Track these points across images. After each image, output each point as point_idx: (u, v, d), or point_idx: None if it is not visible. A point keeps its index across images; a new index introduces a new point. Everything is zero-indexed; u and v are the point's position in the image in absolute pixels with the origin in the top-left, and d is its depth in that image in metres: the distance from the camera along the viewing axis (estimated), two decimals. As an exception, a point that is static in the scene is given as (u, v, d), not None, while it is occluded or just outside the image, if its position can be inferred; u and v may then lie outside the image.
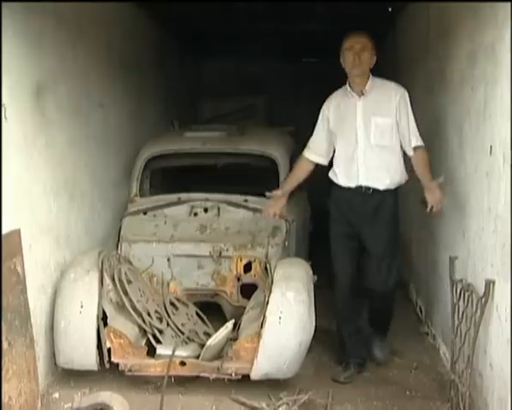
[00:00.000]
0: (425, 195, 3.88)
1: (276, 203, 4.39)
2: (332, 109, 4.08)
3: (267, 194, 4.42)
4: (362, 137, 3.91)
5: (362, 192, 3.93)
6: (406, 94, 3.92)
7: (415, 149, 3.89)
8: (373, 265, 4.02)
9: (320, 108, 4.15)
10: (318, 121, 4.18)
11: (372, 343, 4.32)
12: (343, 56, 3.94)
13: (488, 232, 3.26)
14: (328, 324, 4.35)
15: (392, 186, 3.96)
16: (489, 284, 3.14)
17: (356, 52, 3.86)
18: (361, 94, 3.93)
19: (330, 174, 4.11)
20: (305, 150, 4.26)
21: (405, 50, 6.22)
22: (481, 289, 3.22)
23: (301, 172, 4.35)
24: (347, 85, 3.99)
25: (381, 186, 3.92)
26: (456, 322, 3.59)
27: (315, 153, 4.21)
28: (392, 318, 4.35)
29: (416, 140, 3.89)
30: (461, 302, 3.55)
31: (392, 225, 4.03)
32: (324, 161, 4.20)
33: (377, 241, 3.99)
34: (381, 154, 3.90)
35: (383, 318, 4.32)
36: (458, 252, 3.86)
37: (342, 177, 4.01)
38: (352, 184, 3.96)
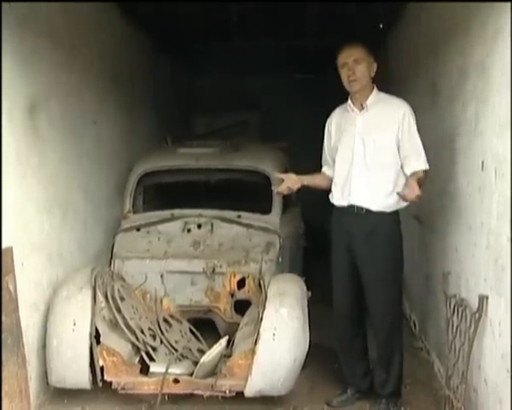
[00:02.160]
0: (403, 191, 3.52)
1: (292, 183, 3.99)
2: (334, 125, 3.92)
3: (277, 175, 4.12)
4: (358, 154, 3.69)
5: (354, 212, 3.71)
6: (410, 112, 3.64)
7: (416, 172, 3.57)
8: (369, 293, 3.78)
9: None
10: (324, 137, 4.02)
11: (378, 403, 3.87)
12: (340, 73, 3.73)
13: (481, 247, 3.28)
14: (323, 340, 4.31)
15: (388, 209, 3.67)
16: (482, 300, 3.16)
17: (350, 67, 3.65)
18: (361, 108, 3.73)
19: (330, 196, 3.92)
20: (324, 167, 4.08)
21: (396, 66, 6.28)
22: (475, 305, 3.24)
23: (321, 179, 4.07)
24: (349, 99, 3.80)
25: (374, 207, 3.67)
26: (451, 337, 3.60)
27: (329, 167, 4.00)
28: (400, 378, 3.89)
29: (421, 163, 3.59)
30: (455, 318, 3.57)
31: (390, 250, 3.73)
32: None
33: (371, 268, 3.71)
34: (376, 173, 3.66)
35: (389, 368, 3.83)
36: (451, 267, 3.88)
37: (337, 195, 3.82)
38: (345, 203, 3.75)
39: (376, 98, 3.74)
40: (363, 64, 3.66)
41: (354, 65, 3.65)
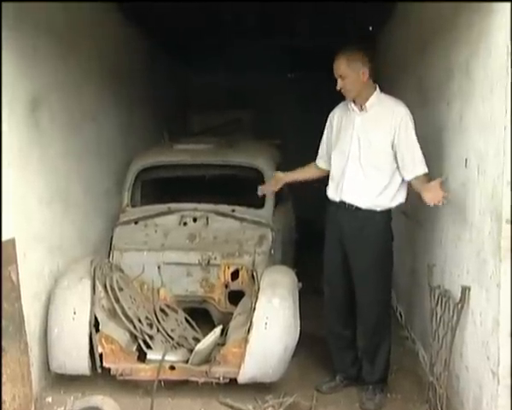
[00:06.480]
0: (423, 196, 3.52)
1: (275, 183, 4.38)
2: (336, 119, 3.97)
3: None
4: (353, 153, 3.75)
5: (345, 208, 3.80)
6: (409, 117, 3.68)
7: (417, 177, 3.66)
8: (358, 286, 3.87)
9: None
10: (325, 128, 4.09)
11: (365, 390, 3.98)
12: None
13: (464, 241, 3.37)
14: (313, 329, 4.38)
15: (377, 208, 3.75)
16: (465, 291, 3.26)
17: (339, 81, 3.72)
18: (361, 109, 3.78)
19: (327, 189, 3.99)
20: (317, 157, 4.19)
21: (385, 66, 6.38)
22: (458, 295, 3.34)
23: (306, 172, 4.29)
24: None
25: (363, 205, 3.75)
26: (434, 327, 3.70)
27: (322, 158, 4.13)
28: (387, 366, 4.03)
29: (420, 168, 3.66)
30: (438, 308, 3.67)
31: (379, 246, 3.81)
32: (329, 167, 4.03)
33: (361, 262, 3.81)
34: (369, 173, 3.72)
35: (376, 357, 3.96)
36: (436, 259, 3.98)
37: (331, 189, 3.92)
38: (337, 199, 3.85)
39: (377, 100, 3.76)
40: (348, 78, 3.68)
41: (341, 79, 3.70)
